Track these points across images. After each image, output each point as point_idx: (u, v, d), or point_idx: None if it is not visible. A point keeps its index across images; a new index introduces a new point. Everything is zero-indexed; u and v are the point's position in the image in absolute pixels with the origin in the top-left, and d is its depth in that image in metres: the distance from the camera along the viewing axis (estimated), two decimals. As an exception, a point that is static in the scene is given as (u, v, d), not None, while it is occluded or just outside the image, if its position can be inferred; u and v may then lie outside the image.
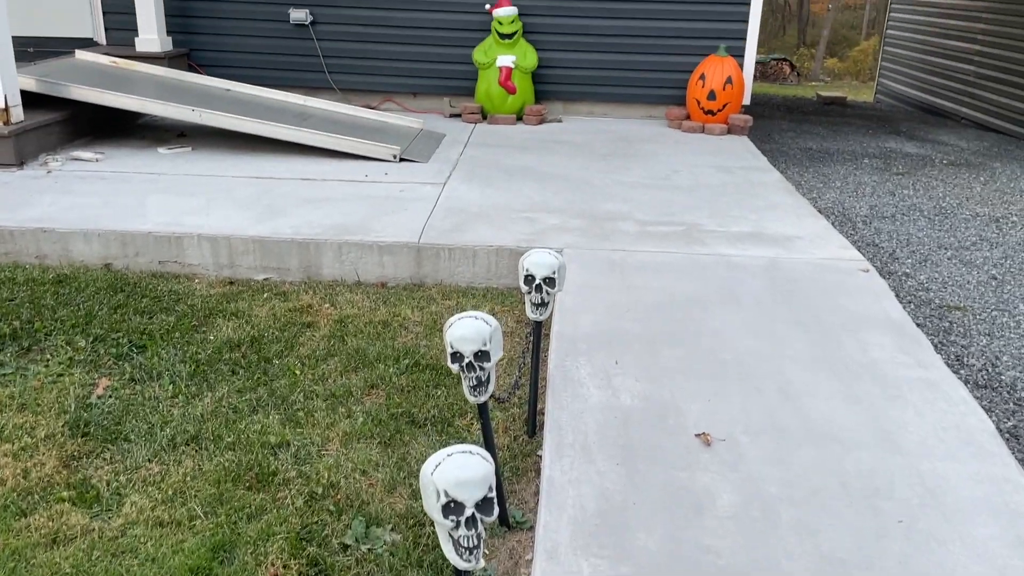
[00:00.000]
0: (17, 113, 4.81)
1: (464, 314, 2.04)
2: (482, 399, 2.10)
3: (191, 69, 6.97)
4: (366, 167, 5.03)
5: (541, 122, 6.66)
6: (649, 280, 3.40)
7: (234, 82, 6.14)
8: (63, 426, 2.58)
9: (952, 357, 3.26)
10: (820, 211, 5.08)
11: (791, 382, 2.61)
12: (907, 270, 4.16)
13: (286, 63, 6.99)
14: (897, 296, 3.42)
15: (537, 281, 2.57)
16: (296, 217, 4.05)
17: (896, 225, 4.90)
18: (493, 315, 3.49)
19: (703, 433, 2.40)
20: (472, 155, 5.47)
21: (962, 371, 3.15)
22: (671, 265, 3.56)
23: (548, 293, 2.59)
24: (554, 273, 2.58)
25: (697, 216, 4.25)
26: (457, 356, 2.00)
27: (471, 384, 2.05)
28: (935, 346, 3.03)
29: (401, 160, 5.20)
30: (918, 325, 3.28)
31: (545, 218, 4.16)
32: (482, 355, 2.00)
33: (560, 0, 6.68)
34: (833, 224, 4.82)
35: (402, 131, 5.87)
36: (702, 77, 6.40)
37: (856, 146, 7.46)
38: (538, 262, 2.58)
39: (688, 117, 6.60)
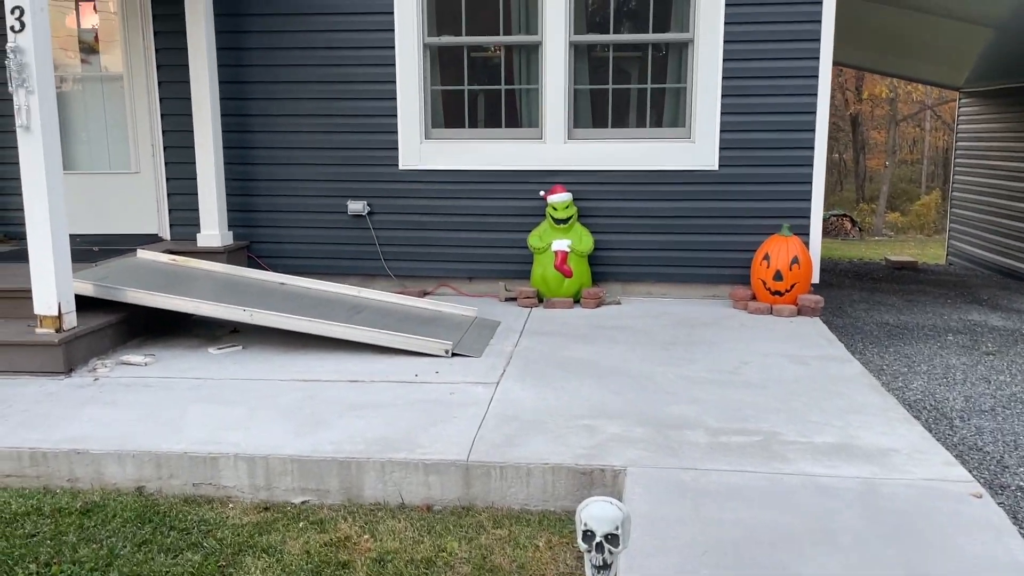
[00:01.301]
0: (70, 319, 4.80)
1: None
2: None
3: (250, 261, 7.06)
4: (417, 364, 4.83)
5: (599, 305, 6.45)
6: (726, 509, 3.00)
7: (288, 275, 6.14)
8: None
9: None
10: (909, 404, 4.64)
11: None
12: (1022, 483, 3.66)
13: (343, 252, 7.03)
14: (1019, 526, 2.93)
15: (598, 539, 2.23)
16: (339, 429, 3.81)
17: (998, 422, 4.41)
18: (550, 548, 3.12)
19: None
20: (527, 346, 5.24)
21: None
22: (750, 489, 3.16)
23: (611, 552, 2.24)
24: (617, 529, 2.24)
25: (774, 422, 3.86)
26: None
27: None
28: (1080, 599, 2.52)
29: (453, 355, 4.99)
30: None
31: (606, 426, 3.83)
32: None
33: (615, 184, 6.64)
34: (927, 422, 4.36)
35: (455, 321, 5.71)
36: (766, 257, 6.16)
37: (936, 319, 7.03)
38: (598, 515, 2.25)
39: (754, 298, 6.32)
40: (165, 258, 6.14)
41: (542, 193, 6.64)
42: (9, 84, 4.50)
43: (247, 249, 7.07)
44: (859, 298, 8.10)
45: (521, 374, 4.64)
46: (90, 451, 3.61)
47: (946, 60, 11.04)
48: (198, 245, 6.73)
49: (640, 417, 3.94)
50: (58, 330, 4.71)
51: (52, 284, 4.68)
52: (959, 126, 12.37)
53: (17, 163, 7.35)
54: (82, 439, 3.73)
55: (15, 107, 4.52)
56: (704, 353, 5.06)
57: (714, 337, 5.45)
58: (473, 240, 6.88)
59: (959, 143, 12.33)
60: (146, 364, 4.89)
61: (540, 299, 6.58)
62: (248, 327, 5.58)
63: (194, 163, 6.92)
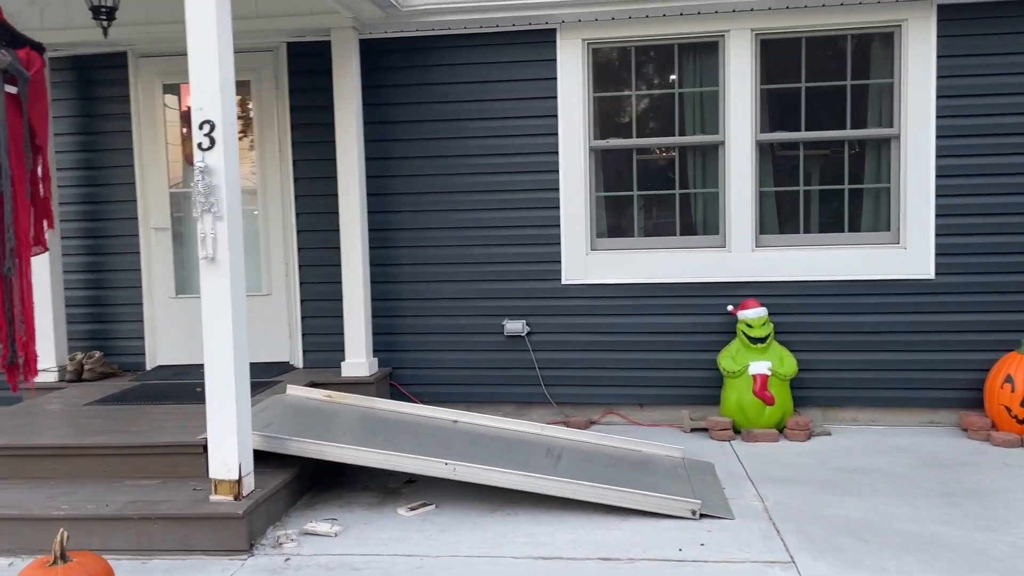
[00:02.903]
0: (249, 483, 4.02)
1: None
2: None
3: (393, 390, 6.30)
4: (664, 529, 3.98)
5: (808, 437, 5.59)
6: None
7: (458, 411, 5.36)
8: None
9: None
10: None
11: None
12: None
13: (496, 377, 6.26)
14: None
15: None
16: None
17: None
18: None
19: None
20: (778, 500, 4.38)
21: None
22: None
23: None
24: None
25: None
26: None
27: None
28: None
29: (701, 516, 4.14)
30: None
31: (988, 631, 2.94)
32: None
33: (811, 296, 5.88)
34: None
35: (667, 465, 4.87)
36: (1009, 380, 5.32)
37: None
38: None
39: (994, 427, 5.45)
40: (318, 394, 5.39)
41: (731, 308, 5.88)
42: (194, 209, 3.86)
43: (389, 376, 6.31)
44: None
45: (810, 546, 3.77)
46: None
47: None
48: (342, 375, 5.99)
49: (1023, 616, 3.04)
50: (237, 497, 3.92)
51: (233, 442, 3.91)
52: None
53: (127, 287, 6.81)
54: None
55: (200, 236, 3.86)
56: (1006, 508, 4.17)
57: (994, 483, 4.56)
58: (645, 362, 6.10)
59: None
60: (335, 534, 4.06)
61: (736, 431, 5.73)
62: (425, 475, 4.77)
63: (330, 283, 6.29)
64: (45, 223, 4.14)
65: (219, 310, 3.89)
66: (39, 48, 4.09)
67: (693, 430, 5.91)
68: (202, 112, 3.83)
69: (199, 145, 3.84)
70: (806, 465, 5.01)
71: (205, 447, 4.22)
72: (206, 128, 3.82)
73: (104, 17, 5.02)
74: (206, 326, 3.91)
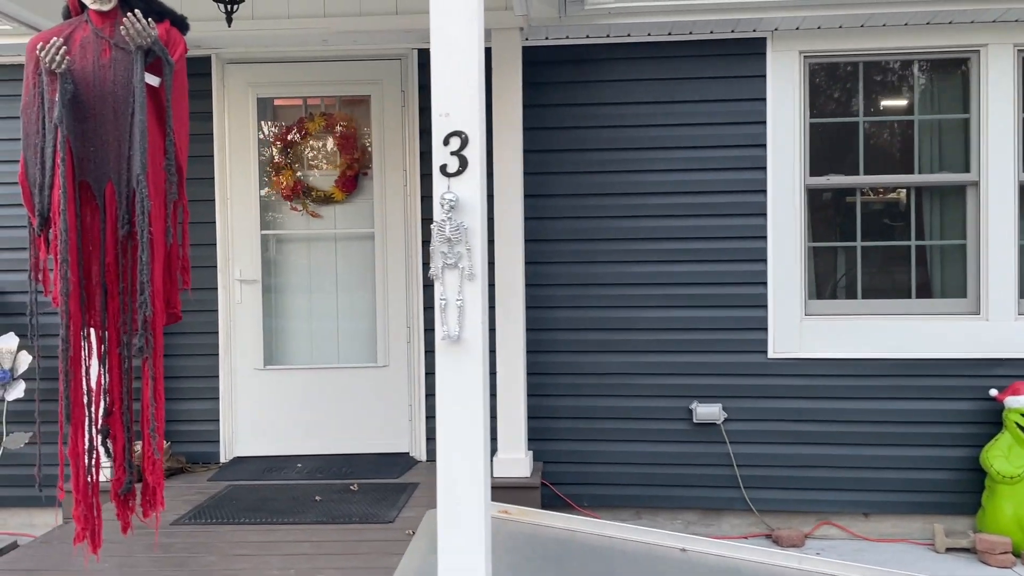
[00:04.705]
0: None
1: None
2: None
3: (544, 490, 4.91)
4: None
5: (1117, 563, 4.32)
6: None
7: (686, 536, 3.98)
8: None
9: None
10: None
11: None
12: None
13: (679, 476, 4.91)
14: None
15: None
16: None
17: None
18: None
19: None
20: None
21: None
22: None
23: None
24: None
25: None
26: None
27: None
28: None
29: None
30: None
31: None
32: None
33: (1091, 377, 4.66)
34: None
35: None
36: None
37: None
38: None
39: None
40: (493, 509, 3.98)
41: (995, 392, 4.63)
42: (433, 261, 2.50)
43: (541, 476, 4.92)
44: None
45: None
46: None
47: None
48: (494, 474, 4.59)
49: None
50: None
51: (481, 614, 2.52)
52: None
53: (200, 354, 5.13)
54: None
55: (438, 302, 2.51)
56: None
57: None
58: (873, 459, 4.80)
59: None
60: None
61: (1016, 554, 4.44)
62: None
63: (466, 352, 4.90)
64: (181, 280, 2.74)
65: (466, 417, 2.54)
66: (182, 24, 2.74)
67: (949, 550, 4.60)
68: (448, 120, 2.50)
69: (442, 169, 2.50)
70: None
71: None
72: (454, 143, 2.49)
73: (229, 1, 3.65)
74: (444, 434, 2.56)
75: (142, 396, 2.54)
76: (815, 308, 4.88)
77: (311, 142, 5.10)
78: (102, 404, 2.56)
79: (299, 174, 5.06)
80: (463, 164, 2.49)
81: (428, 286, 4.96)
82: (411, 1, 4.58)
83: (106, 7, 2.55)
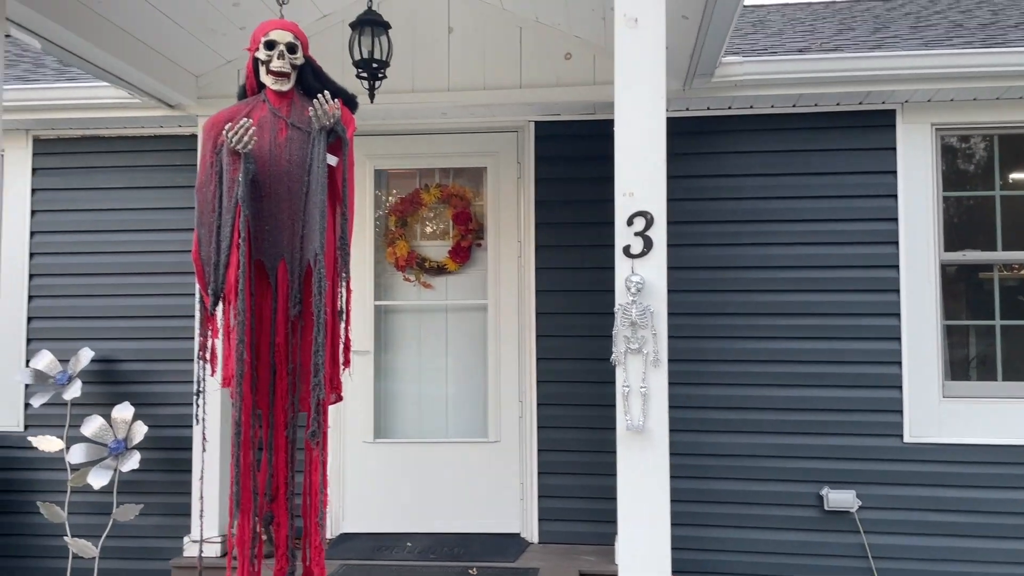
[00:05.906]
0: None
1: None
2: None
3: (671, 580, 4.65)
4: None
5: None
6: None
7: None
8: None
9: None
10: None
11: None
12: None
13: (807, 567, 4.61)
14: None
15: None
16: None
17: None
18: None
19: None
20: None
21: None
22: None
23: None
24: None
25: None
26: None
27: None
28: None
29: None
30: None
31: None
32: None
33: None
34: None
35: None
36: None
37: None
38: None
39: None
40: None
41: None
42: (616, 346, 2.38)
43: (660, 560, 4.68)
44: None
45: None
46: None
47: None
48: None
49: None
50: None
51: None
52: None
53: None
54: None
55: (620, 389, 2.38)
56: None
57: None
58: (1019, 553, 4.46)
59: None
60: None
61: None
62: None
63: (579, 429, 4.80)
64: (342, 360, 2.67)
65: (649, 514, 2.37)
66: (352, 103, 2.73)
67: (1116, 659, 4.21)
68: (632, 200, 2.42)
69: (625, 250, 2.40)
70: None
71: None
72: (639, 223, 2.40)
73: (371, 75, 3.65)
74: (626, 531, 2.39)
75: (306, 482, 2.44)
76: (953, 390, 4.61)
77: (425, 212, 5.09)
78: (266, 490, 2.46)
79: (412, 244, 5.03)
80: (647, 245, 2.39)
81: (542, 359, 4.85)
82: (535, 74, 4.57)
83: (286, 87, 2.55)
